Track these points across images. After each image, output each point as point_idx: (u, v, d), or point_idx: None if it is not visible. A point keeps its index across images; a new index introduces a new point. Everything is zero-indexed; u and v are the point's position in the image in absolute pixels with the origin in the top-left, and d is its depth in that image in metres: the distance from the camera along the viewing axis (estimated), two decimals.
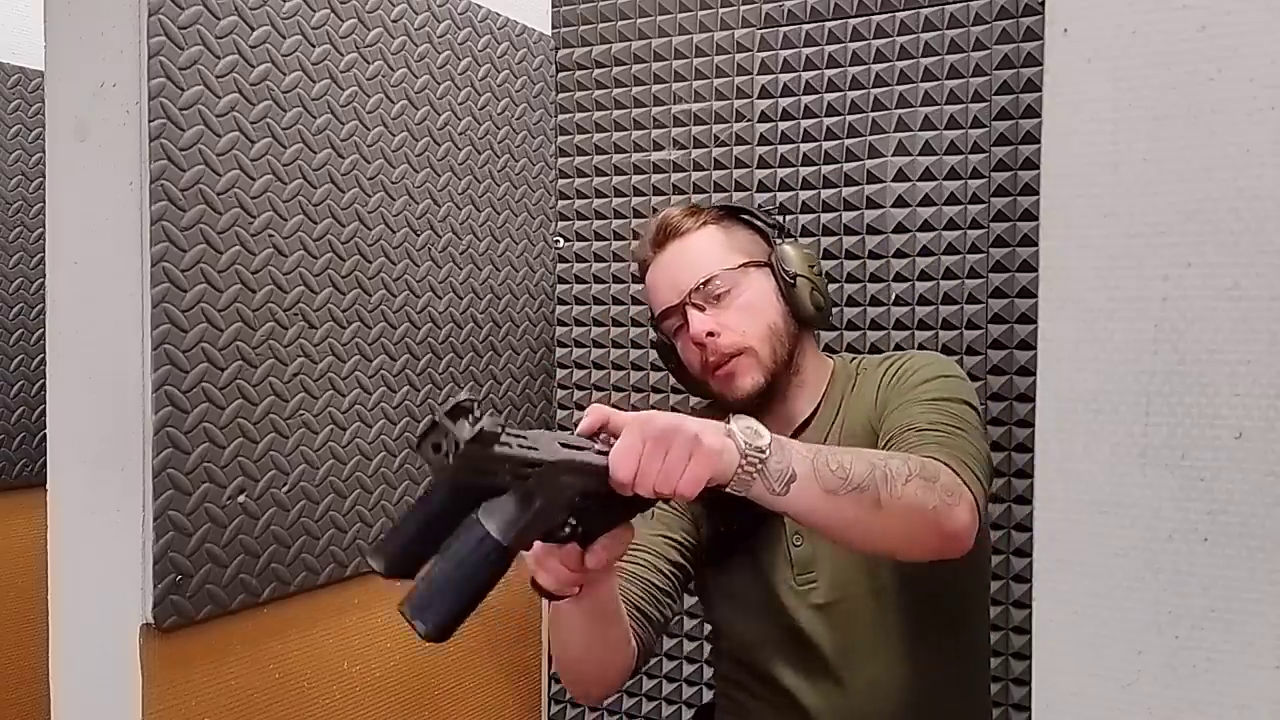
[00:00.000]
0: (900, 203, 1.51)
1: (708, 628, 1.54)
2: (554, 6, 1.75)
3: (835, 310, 1.55)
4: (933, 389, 1.23)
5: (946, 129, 1.48)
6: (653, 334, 1.67)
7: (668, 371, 1.43)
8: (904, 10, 1.50)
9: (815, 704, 1.26)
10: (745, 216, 1.37)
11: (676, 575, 1.31)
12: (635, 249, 1.37)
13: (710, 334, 1.26)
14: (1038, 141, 1.39)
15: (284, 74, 1.25)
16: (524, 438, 0.80)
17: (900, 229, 1.51)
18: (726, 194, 1.63)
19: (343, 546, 1.35)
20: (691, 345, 1.28)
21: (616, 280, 1.73)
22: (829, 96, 1.55)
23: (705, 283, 1.27)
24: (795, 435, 1.30)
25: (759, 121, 1.60)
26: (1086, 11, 0.70)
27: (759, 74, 1.60)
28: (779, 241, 1.33)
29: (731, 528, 1.31)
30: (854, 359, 1.38)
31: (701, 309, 1.27)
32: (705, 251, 1.30)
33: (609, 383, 1.73)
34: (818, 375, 1.34)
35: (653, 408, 1.68)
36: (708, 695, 1.66)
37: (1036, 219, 1.42)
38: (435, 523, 0.81)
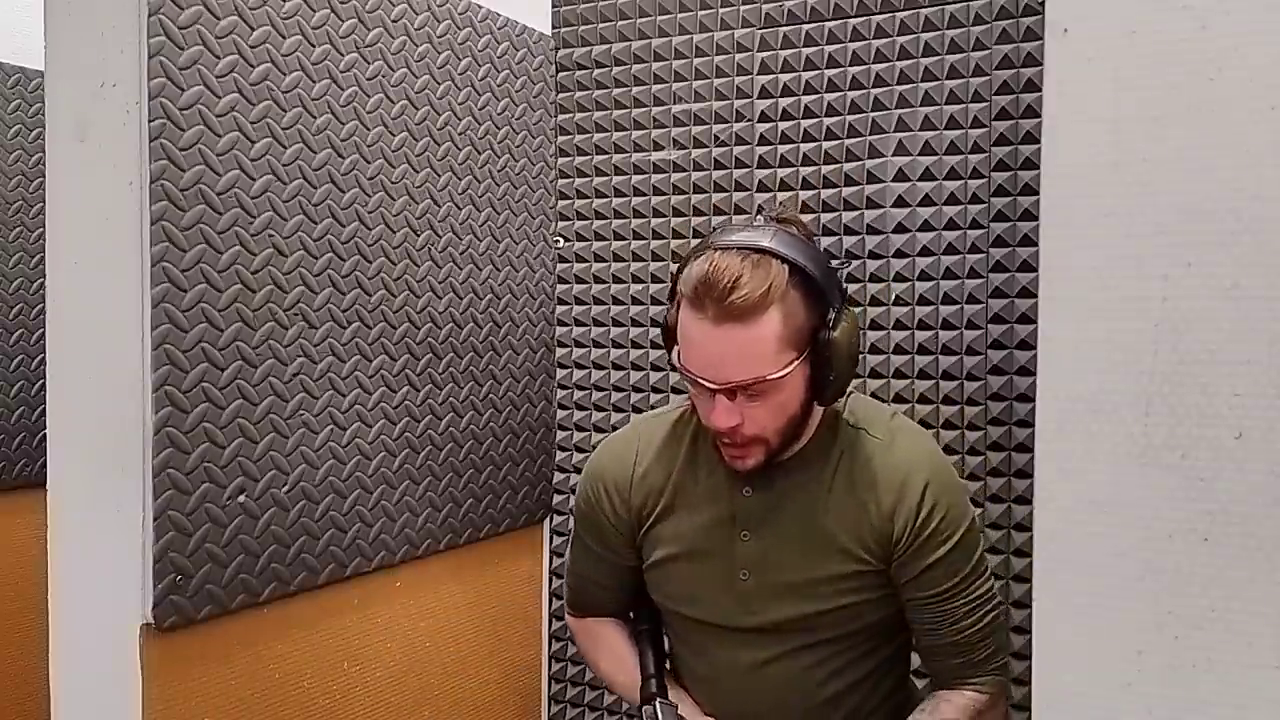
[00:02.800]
0: (900, 203, 1.51)
1: None
2: (554, 6, 1.75)
3: None
4: (956, 553, 1.25)
5: (946, 129, 1.48)
6: (654, 333, 1.67)
7: (670, 370, 1.42)
8: (904, 10, 1.50)
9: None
10: (811, 275, 1.19)
11: (631, 591, 1.41)
12: (684, 284, 1.19)
13: (732, 429, 1.20)
14: (1038, 141, 1.39)
15: (284, 74, 1.25)
16: None
17: (900, 229, 1.51)
18: (726, 194, 1.63)
19: (343, 546, 1.35)
20: (707, 415, 1.22)
21: (616, 280, 1.73)
22: (829, 96, 1.55)
23: (749, 385, 1.18)
24: (776, 471, 1.28)
25: (759, 121, 1.60)
26: (1086, 11, 0.70)
27: (759, 74, 1.60)
28: (831, 321, 1.19)
29: (676, 556, 1.34)
30: (845, 400, 1.31)
31: (732, 398, 1.19)
32: (761, 350, 1.17)
33: (609, 383, 1.73)
34: (811, 418, 1.29)
35: (651, 408, 1.68)
36: None
37: (1036, 219, 1.42)
38: None
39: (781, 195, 1.59)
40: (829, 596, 1.27)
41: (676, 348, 1.24)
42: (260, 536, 1.24)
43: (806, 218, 1.57)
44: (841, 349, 1.20)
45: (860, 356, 1.26)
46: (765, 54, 1.59)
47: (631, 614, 1.44)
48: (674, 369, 1.30)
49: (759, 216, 1.32)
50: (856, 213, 1.54)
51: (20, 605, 1.94)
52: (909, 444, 1.30)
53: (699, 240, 1.30)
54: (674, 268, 1.38)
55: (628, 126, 1.70)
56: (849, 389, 1.29)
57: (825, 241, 1.56)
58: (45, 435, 1.20)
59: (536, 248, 1.70)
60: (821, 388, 1.21)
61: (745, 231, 1.22)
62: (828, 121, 1.56)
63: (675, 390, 1.68)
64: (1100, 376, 0.69)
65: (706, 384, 1.19)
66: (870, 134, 1.52)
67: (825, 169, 1.56)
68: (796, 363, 1.18)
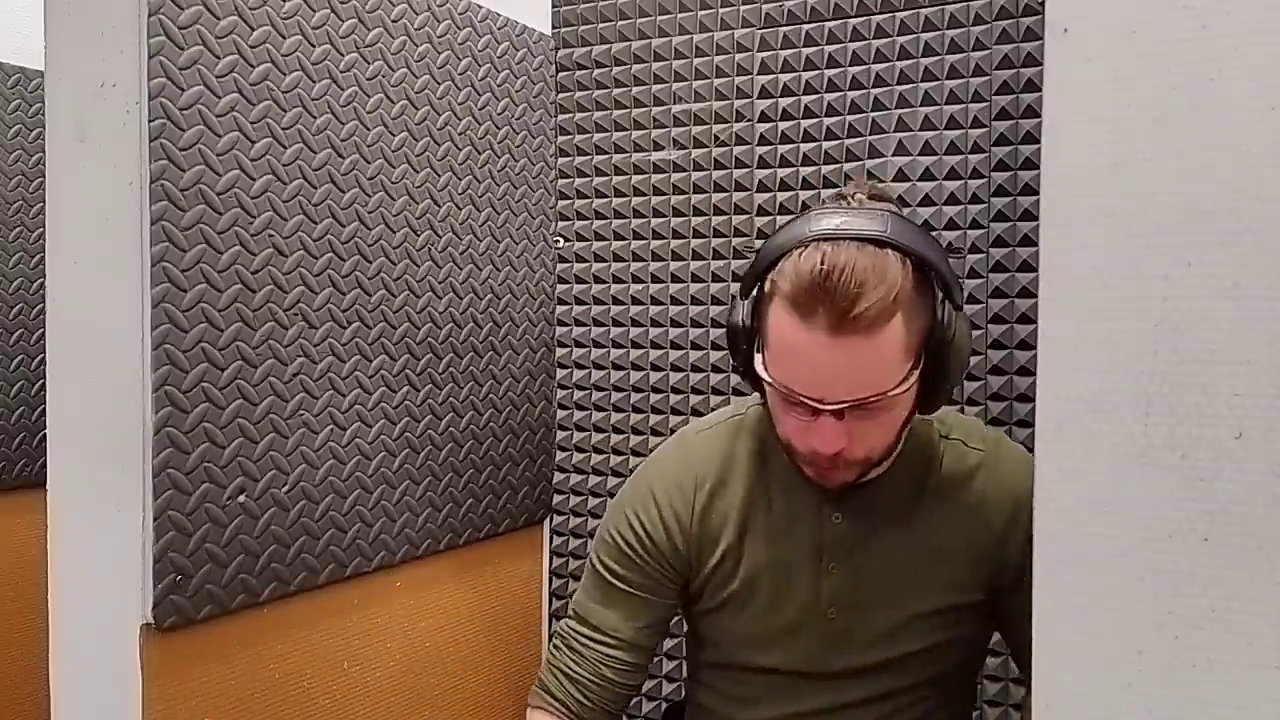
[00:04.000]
0: (900, 203, 1.51)
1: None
2: (554, 6, 1.75)
3: None
4: None
5: (946, 129, 1.48)
6: (654, 333, 1.62)
7: (734, 370, 1.16)
8: (904, 10, 1.50)
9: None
10: (939, 272, 1.02)
11: (644, 653, 1.25)
12: (783, 282, 1.00)
13: (839, 451, 1.03)
14: (1038, 141, 1.39)
15: (284, 74, 1.25)
16: None
17: None
18: (726, 194, 1.63)
19: (343, 546, 1.35)
20: (802, 437, 1.05)
21: (616, 280, 1.72)
22: (829, 96, 1.55)
23: (867, 401, 1.00)
24: (868, 491, 1.14)
25: (759, 121, 1.60)
26: (1086, 11, 0.70)
27: (759, 74, 1.60)
28: (947, 321, 1.02)
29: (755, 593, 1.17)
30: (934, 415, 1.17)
31: (841, 417, 1.01)
32: (884, 362, 0.99)
33: (609, 383, 1.73)
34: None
35: (653, 409, 1.68)
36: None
37: (1036, 219, 1.42)
38: None
39: (781, 195, 1.59)
40: (926, 634, 1.13)
41: (760, 356, 1.05)
42: (260, 536, 1.24)
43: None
44: (960, 353, 1.03)
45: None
46: (765, 54, 1.59)
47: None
48: (740, 374, 1.11)
49: (853, 191, 1.11)
50: None
51: (20, 605, 1.94)
52: (1015, 455, 1.15)
53: (787, 220, 1.09)
54: (739, 245, 1.20)
55: (628, 126, 1.70)
56: None
57: None
58: (45, 435, 1.20)
59: (536, 248, 1.70)
60: (933, 396, 1.05)
61: (850, 215, 1.01)
62: (828, 121, 1.56)
63: (675, 390, 1.68)
64: (1100, 376, 0.69)
65: (814, 404, 1.00)
66: (870, 134, 1.52)
67: (825, 169, 1.56)
68: (917, 371, 1.01)
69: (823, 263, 0.96)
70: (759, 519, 1.18)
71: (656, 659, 1.69)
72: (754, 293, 1.07)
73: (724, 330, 1.19)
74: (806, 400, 1.01)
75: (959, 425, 1.18)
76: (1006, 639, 1.20)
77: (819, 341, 0.97)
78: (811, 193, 1.57)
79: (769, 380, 1.04)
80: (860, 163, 1.53)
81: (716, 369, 1.65)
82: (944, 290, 1.02)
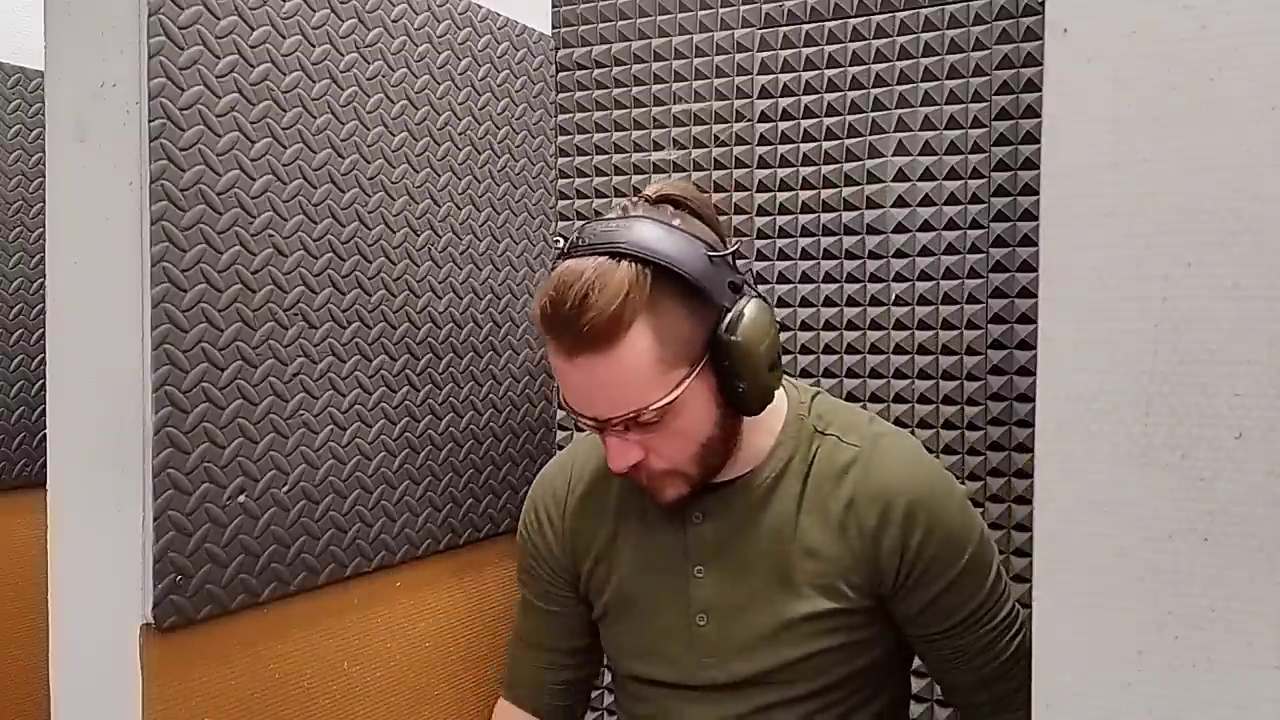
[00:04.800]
0: (900, 203, 1.51)
1: None
2: (554, 6, 1.75)
3: (835, 310, 1.55)
4: (965, 578, 1.05)
5: (946, 129, 1.48)
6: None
7: None
8: (904, 10, 1.50)
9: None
10: (684, 274, 0.98)
11: (570, 655, 1.25)
12: (536, 303, 1.00)
13: (635, 465, 1.03)
14: (1038, 141, 1.39)
15: (284, 74, 1.25)
16: None
17: (900, 229, 1.51)
18: (726, 194, 1.63)
19: (343, 546, 1.35)
20: (606, 453, 1.04)
21: None
22: (829, 96, 1.55)
23: (629, 418, 0.99)
24: (730, 490, 1.11)
25: (759, 121, 1.60)
26: (1086, 11, 0.70)
27: (759, 74, 1.60)
28: (728, 322, 0.99)
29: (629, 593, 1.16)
30: (809, 403, 1.14)
31: (626, 431, 1.01)
32: (633, 378, 0.96)
33: None
34: (764, 426, 1.11)
35: None
36: None
37: (1036, 219, 1.42)
38: None
39: (781, 195, 1.59)
40: (805, 640, 1.07)
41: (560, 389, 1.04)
42: (260, 536, 1.24)
43: (806, 218, 1.49)
44: (747, 350, 0.99)
45: (780, 349, 1.07)
46: (765, 54, 1.59)
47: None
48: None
49: (638, 199, 1.08)
50: (856, 213, 1.54)
51: (20, 605, 1.94)
52: (894, 452, 1.10)
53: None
54: None
55: (628, 126, 1.70)
56: (817, 390, 1.13)
57: (825, 242, 1.56)
58: (45, 435, 1.20)
59: (536, 248, 1.70)
60: (737, 398, 1.01)
61: (598, 225, 1.01)
62: (828, 121, 1.56)
63: None
64: (1100, 376, 0.69)
65: (590, 423, 1.01)
66: (870, 134, 1.52)
67: (825, 169, 1.56)
68: (689, 379, 0.98)
69: (554, 279, 0.97)
70: (631, 524, 1.15)
71: None
72: None
73: None
74: (584, 420, 1.01)
75: (839, 421, 1.12)
76: (917, 652, 1.13)
77: (567, 363, 0.98)
78: (812, 193, 1.57)
79: (560, 401, 1.04)
80: (860, 163, 1.53)
81: None
82: (704, 291, 0.97)
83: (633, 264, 0.95)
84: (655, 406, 0.97)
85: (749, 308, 1.00)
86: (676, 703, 1.13)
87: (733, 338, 0.98)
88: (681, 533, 1.11)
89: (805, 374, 1.56)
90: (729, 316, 0.99)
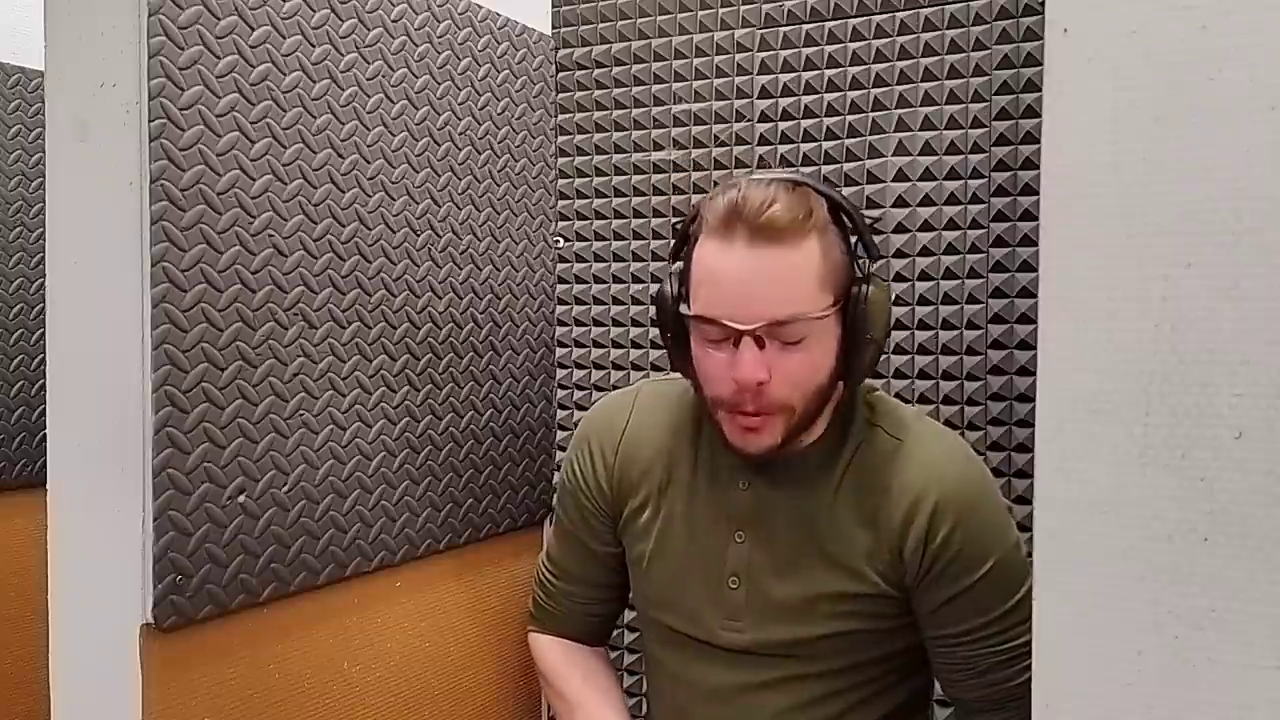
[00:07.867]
0: (900, 203, 1.51)
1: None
2: (554, 6, 1.75)
3: None
4: (984, 586, 1.06)
5: (946, 129, 1.48)
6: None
7: (665, 348, 1.19)
8: (904, 10, 1.50)
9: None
10: (847, 218, 1.08)
11: (604, 589, 1.32)
12: (707, 214, 1.04)
13: (762, 382, 1.03)
14: (1038, 141, 1.39)
15: (284, 74, 1.25)
16: None
17: (900, 229, 1.51)
18: None
19: (343, 546, 1.35)
20: (725, 375, 1.04)
21: (616, 280, 1.73)
22: (829, 96, 1.55)
23: (785, 322, 1.01)
24: (778, 466, 1.13)
25: (759, 121, 1.60)
26: (1086, 11, 0.70)
27: (759, 74, 1.60)
28: (870, 274, 1.07)
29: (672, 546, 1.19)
30: (865, 395, 1.17)
31: (761, 346, 1.02)
32: (802, 279, 1.01)
33: (609, 383, 1.73)
34: (825, 411, 1.14)
35: None
36: None
37: (1036, 219, 1.42)
38: None
39: None
40: (829, 619, 1.10)
41: (684, 306, 1.07)
42: (260, 536, 1.24)
43: None
44: (878, 309, 1.05)
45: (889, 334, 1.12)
46: (765, 54, 1.59)
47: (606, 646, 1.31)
48: (663, 333, 1.13)
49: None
50: None
51: (20, 605, 1.94)
52: (933, 449, 1.12)
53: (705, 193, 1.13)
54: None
55: (628, 126, 1.70)
56: (874, 386, 1.16)
57: None
58: (45, 435, 1.20)
59: (536, 248, 1.70)
60: (853, 356, 1.06)
61: (765, 172, 1.10)
62: (828, 121, 1.56)
63: None
64: (1100, 376, 0.69)
65: (735, 325, 1.01)
66: (870, 134, 1.52)
67: (825, 169, 1.56)
68: (835, 310, 1.04)
69: (738, 190, 1.02)
70: (683, 475, 1.18)
71: None
72: (681, 252, 1.12)
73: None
74: (727, 323, 1.02)
75: (889, 413, 1.16)
76: (929, 655, 1.13)
77: (738, 255, 1.01)
78: None
79: (691, 315, 1.06)
80: (860, 163, 1.53)
81: None
82: (860, 238, 1.07)
83: (815, 196, 1.04)
84: (809, 317, 1.02)
85: (882, 282, 1.09)
86: (697, 658, 1.16)
87: (872, 290, 1.06)
88: (726, 497, 1.15)
89: None
90: (865, 272, 1.07)
